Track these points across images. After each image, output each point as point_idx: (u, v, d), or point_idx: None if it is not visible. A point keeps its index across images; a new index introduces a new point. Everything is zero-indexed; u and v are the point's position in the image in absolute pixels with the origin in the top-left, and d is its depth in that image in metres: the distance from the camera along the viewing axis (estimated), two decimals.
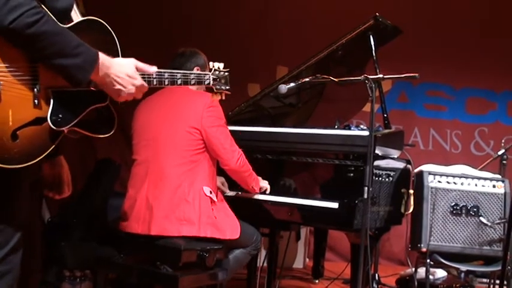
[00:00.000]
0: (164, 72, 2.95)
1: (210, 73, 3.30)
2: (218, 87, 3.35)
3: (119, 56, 2.74)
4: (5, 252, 2.48)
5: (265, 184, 4.34)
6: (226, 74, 3.40)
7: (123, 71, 2.59)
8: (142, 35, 7.25)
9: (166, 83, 2.96)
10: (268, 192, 4.33)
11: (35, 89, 2.44)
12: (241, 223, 4.00)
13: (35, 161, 2.45)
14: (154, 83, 2.90)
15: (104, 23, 2.73)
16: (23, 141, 2.42)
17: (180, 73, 3.05)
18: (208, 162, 3.94)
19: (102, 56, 2.53)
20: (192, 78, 3.11)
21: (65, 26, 2.54)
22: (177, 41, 6.63)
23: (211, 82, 3.30)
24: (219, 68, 3.39)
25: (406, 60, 7.24)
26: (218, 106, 3.96)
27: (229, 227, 3.88)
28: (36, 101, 2.44)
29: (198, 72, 3.28)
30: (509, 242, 3.51)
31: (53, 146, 2.55)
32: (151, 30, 7.43)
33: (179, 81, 3.03)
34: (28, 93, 2.43)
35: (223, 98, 3.46)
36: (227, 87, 3.40)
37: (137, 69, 2.66)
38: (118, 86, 2.56)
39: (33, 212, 2.79)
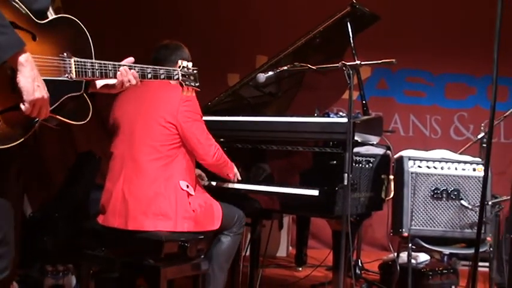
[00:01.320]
0: (135, 66, 3.12)
1: (179, 69, 3.39)
2: (187, 82, 3.42)
3: (91, 52, 2.86)
4: (2, 235, 2.60)
5: (236, 170, 4.35)
6: (194, 71, 3.47)
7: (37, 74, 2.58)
8: (124, 26, 7.26)
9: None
10: (239, 177, 4.35)
11: (14, 78, 2.49)
12: (222, 205, 4.02)
13: (15, 143, 2.54)
14: None
15: (77, 20, 2.85)
16: (4, 124, 2.51)
17: (149, 68, 3.20)
18: (185, 157, 3.93)
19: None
20: (162, 73, 3.28)
21: (40, 22, 2.65)
22: (156, 32, 6.61)
23: (180, 77, 3.38)
24: (187, 65, 3.45)
25: (385, 47, 7.27)
26: (194, 100, 3.93)
27: (208, 218, 3.88)
28: (15, 88, 2.51)
29: (167, 68, 3.33)
30: (482, 223, 3.52)
31: (33, 130, 2.63)
32: (130, 21, 7.41)
33: (149, 76, 3.21)
34: (7, 82, 2.51)
35: (193, 94, 3.53)
36: (197, 84, 3.48)
37: None
38: (38, 83, 2.54)
39: (15, 204, 2.83)
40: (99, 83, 3.12)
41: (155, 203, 3.74)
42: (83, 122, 2.89)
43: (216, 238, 4.11)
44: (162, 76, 3.26)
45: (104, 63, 2.91)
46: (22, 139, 2.57)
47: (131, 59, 3.13)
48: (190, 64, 3.45)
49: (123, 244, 3.87)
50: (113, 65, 2.96)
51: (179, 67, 3.39)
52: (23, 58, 2.48)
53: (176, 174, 3.83)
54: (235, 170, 4.32)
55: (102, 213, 3.94)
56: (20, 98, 2.52)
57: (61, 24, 2.77)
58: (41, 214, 5.36)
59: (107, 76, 2.93)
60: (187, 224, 3.76)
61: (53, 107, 2.68)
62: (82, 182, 5.55)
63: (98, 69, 2.88)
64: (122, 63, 3.06)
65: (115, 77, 2.99)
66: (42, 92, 2.55)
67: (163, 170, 3.81)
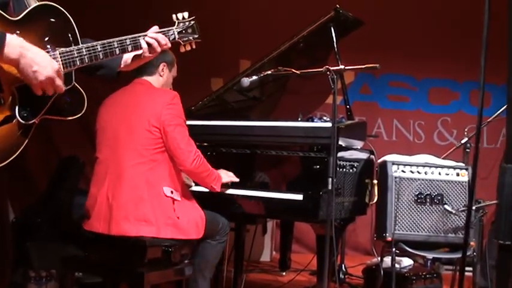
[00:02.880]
0: (125, 38, 2.98)
1: (174, 27, 3.21)
2: (185, 38, 3.24)
3: (77, 37, 2.78)
4: None
5: (230, 178, 4.28)
6: (192, 23, 3.28)
7: (39, 52, 2.54)
8: (104, 25, 7.21)
9: (129, 49, 3.00)
10: (231, 182, 4.30)
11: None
12: (206, 212, 3.99)
13: (12, 157, 2.52)
14: (117, 52, 2.92)
15: (59, 6, 2.75)
16: None
17: (141, 35, 3.05)
18: (170, 162, 3.90)
19: (15, 38, 2.48)
20: None
21: (14, 19, 2.57)
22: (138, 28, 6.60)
23: (177, 36, 3.20)
24: (183, 17, 3.27)
25: (368, 52, 7.26)
26: (178, 104, 3.92)
27: (192, 227, 3.86)
28: (2, 100, 2.46)
29: (161, 29, 3.16)
30: (469, 228, 3.53)
31: (27, 140, 2.59)
32: (111, 20, 7.37)
33: (143, 44, 3.04)
34: None
35: (194, 47, 3.32)
36: (195, 36, 3.27)
37: None
38: (36, 67, 2.51)
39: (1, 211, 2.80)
40: (129, 58, 3.10)
41: (138, 208, 3.71)
42: (80, 114, 2.83)
43: (199, 246, 4.09)
44: None
45: (92, 46, 2.81)
46: (20, 149, 2.53)
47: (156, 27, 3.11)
48: (186, 14, 3.29)
49: (107, 249, 3.85)
50: (102, 44, 2.85)
51: (174, 24, 3.23)
52: (13, 53, 2.44)
53: (160, 180, 3.81)
54: (228, 178, 4.27)
55: (87, 218, 3.92)
56: (8, 110, 2.49)
57: (38, 15, 2.67)
58: (24, 219, 5.33)
59: (97, 59, 2.82)
60: (170, 230, 3.74)
61: (44, 110, 2.64)
62: (65, 186, 5.52)
63: (86, 54, 2.77)
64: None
65: (106, 57, 2.87)
66: (42, 74, 2.51)
67: (147, 175, 3.79)
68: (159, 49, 3.07)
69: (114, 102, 4.04)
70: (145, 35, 3.06)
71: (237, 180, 4.32)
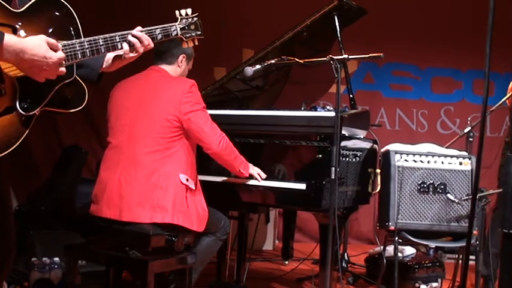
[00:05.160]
0: (128, 33, 2.95)
1: (177, 23, 3.16)
2: (188, 35, 3.20)
3: (79, 30, 2.76)
4: None
5: (255, 171, 4.22)
6: (195, 19, 3.24)
7: (38, 52, 2.48)
8: (104, 15, 7.19)
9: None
10: (259, 179, 4.20)
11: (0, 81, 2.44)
12: (209, 208, 3.96)
13: (12, 148, 2.50)
14: (119, 46, 2.90)
15: (62, 0, 2.73)
16: None
17: (144, 30, 3.01)
18: (186, 150, 3.88)
19: (12, 39, 2.44)
20: (158, 34, 3.06)
21: (17, 11, 2.55)
22: (140, 22, 6.58)
23: (179, 32, 3.16)
24: (186, 14, 3.22)
25: (372, 41, 7.29)
26: (196, 91, 3.90)
27: (197, 219, 3.83)
28: (3, 91, 2.45)
29: (163, 25, 3.09)
30: (473, 217, 3.52)
31: (27, 132, 2.57)
32: (113, 11, 7.35)
33: (125, 45, 2.97)
34: None
35: (196, 43, 3.29)
36: (198, 33, 3.23)
37: (48, 44, 2.55)
38: (35, 68, 2.49)
39: (3, 199, 2.79)
40: (110, 58, 3.07)
41: (153, 195, 3.70)
42: (80, 107, 2.80)
43: (200, 239, 4.09)
44: (159, 36, 3.05)
45: (94, 39, 2.77)
46: (20, 140, 2.52)
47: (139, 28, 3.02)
48: (189, 11, 3.24)
49: (111, 236, 3.85)
50: (104, 38, 2.81)
51: (177, 20, 3.18)
52: (11, 54, 2.41)
53: (176, 167, 3.78)
54: (254, 169, 4.22)
55: (95, 203, 3.89)
56: (8, 101, 2.48)
57: (41, 7, 2.65)
58: (27, 207, 5.34)
59: (98, 53, 2.78)
60: (182, 217, 3.72)
61: (45, 102, 2.63)
62: (68, 175, 5.53)
63: (88, 48, 2.73)
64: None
65: (108, 51, 2.84)
66: (41, 70, 2.49)
67: (163, 163, 3.77)
68: (141, 50, 3.00)
69: (128, 87, 4.02)
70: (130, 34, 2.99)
71: (264, 176, 4.24)
